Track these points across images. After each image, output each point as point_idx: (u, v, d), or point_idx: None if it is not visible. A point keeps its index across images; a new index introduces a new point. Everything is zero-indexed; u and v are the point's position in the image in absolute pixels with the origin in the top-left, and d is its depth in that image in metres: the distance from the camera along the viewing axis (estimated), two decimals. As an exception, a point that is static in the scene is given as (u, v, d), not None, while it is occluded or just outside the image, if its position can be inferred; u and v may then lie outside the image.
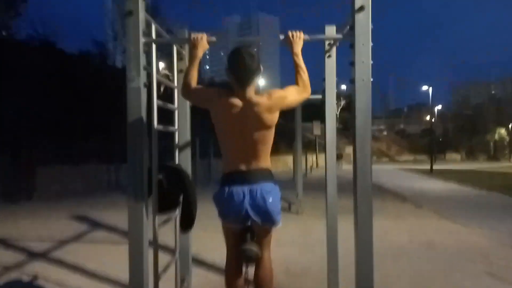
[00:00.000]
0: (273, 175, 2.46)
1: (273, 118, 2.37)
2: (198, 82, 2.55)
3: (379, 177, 19.60)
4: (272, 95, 2.37)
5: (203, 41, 2.53)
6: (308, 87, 2.50)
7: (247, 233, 2.42)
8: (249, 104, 2.31)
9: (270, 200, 2.32)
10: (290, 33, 2.50)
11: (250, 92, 2.34)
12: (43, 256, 5.42)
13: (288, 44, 2.50)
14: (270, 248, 2.56)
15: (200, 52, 2.53)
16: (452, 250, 5.80)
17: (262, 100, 2.33)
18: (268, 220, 2.36)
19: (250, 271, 2.55)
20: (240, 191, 2.31)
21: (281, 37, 2.59)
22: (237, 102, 2.32)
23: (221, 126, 2.41)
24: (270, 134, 2.41)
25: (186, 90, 2.51)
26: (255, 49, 2.45)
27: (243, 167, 2.35)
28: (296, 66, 2.49)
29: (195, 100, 2.58)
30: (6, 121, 12.77)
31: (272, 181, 2.42)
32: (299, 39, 2.48)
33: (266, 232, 2.46)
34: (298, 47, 2.48)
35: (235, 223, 2.40)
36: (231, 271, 2.56)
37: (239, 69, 2.31)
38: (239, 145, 2.35)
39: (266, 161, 2.41)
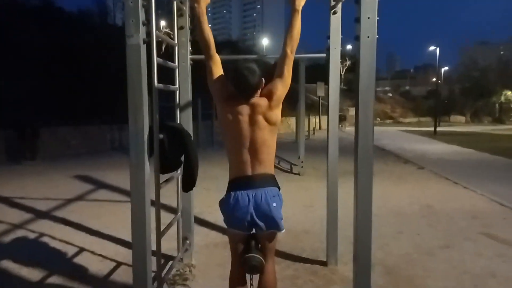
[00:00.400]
0: (276, 180, 2.43)
1: (278, 113, 2.35)
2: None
3: (383, 139, 19.61)
4: (272, 94, 2.32)
5: None
6: (294, 51, 2.39)
7: (251, 241, 2.41)
8: (252, 109, 2.29)
9: (274, 205, 2.30)
10: None
11: (253, 99, 2.31)
12: (48, 214, 5.53)
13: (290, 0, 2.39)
14: (274, 257, 2.54)
15: (203, 6, 2.44)
16: (451, 211, 5.86)
17: (262, 102, 2.30)
18: (272, 225, 2.33)
19: (254, 281, 2.53)
20: (245, 195, 2.29)
21: None
22: (241, 108, 2.29)
23: (226, 129, 2.38)
24: (274, 134, 2.38)
25: (205, 51, 2.43)
26: (255, 63, 2.31)
27: (248, 172, 2.33)
28: (291, 23, 2.36)
29: (209, 70, 2.45)
30: (6, 83, 12.67)
31: (276, 186, 2.39)
32: None
33: (270, 238, 2.43)
34: (299, 3, 2.37)
35: (241, 229, 2.35)
36: (236, 280, 2.54)
37: (240, 87, 2.28)
38: (245, 150, 2.32)
39: (270, 166, 2.39)
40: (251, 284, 2.52)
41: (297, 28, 2.36)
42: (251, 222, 2.29)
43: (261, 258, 2.37)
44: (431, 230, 4.97)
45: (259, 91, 2.32)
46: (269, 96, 2.32)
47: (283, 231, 2.38)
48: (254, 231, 2.36)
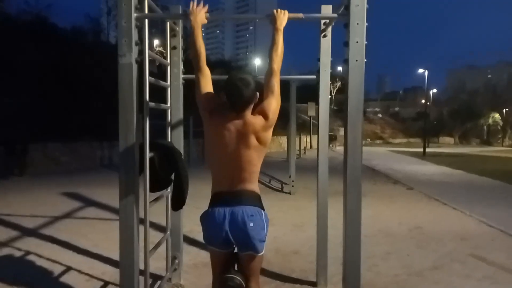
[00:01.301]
0: (261, 200, 2.32)
1: (269, 134, 2.30)
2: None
3: (372, 159, 19.73)
4: (268, 111, 2.27)
5: (202, 13, 2.46)
6: (280, 67, 2.41)
7: (232, 260, 2.33)
8: (245, 127, 2.22)
9: (251, 225, 2.17)
10: (274, 10, 2.46)
11: (246, 115, 2.25)
12: (35, 232, 5.44)
13: (272, 20, 2.45)
14: (257, 279, 2.38)
15: (199, 24, 2.43)
16: (440, 232, 5.88)
17: (257, 121, 2.24)
18: (248, 247, 2.21)
19: None
20: (221, 211, 2.20)
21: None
22: (230, 124, 2.23)
23: (210, 143, 2.33)
24: (262, 154, 2.31)
25: (196, 63, 2.39)
26: (251, 76, 2.28)
27: (228, 188, 2.26)
28: (275, 42, 2.39)
29: (198, 82, 2.41)
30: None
31: (257, 206, 2.26)
32: (283, 15, 2.44)
33: (249, 259, 2.28)
34: (281, 23, 2.43)
35: (217, 246, 2.28)
36: None
37: (233, 98, 2.21)
38: (228, 165, 2.26)
39: (254, 184, 2.30)
40: None
41: (281, 46, 2.39)
42: (227, 240, 2.20)
43: (239, 279, 2.26)
44: (420, 251, 4.98)
45: (251, 105, 2.25)
46: (264, 114, 2.25)
47: (261, 254, 2.27)
48: (234, 249, 2.28)
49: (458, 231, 5.95)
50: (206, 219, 2.28)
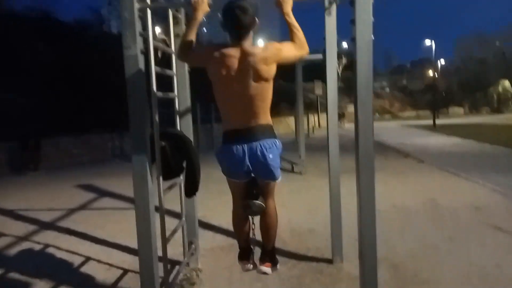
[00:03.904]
0: (274, 129, 2.48)
1: (270, 70, 2.33)
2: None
3: (382, 134, 19.60)
4: (268, 46, 2.37)
5: (204, 4, 2.48)
6: (305, 46, 2.44)
7: (251, 185, 2.52)
8: (244, 55, 2.29)
9: (270, 156, 2.37)
10: None
11: (245, 45, 2.32)
12: (52, 225, 5.54)
13: (277, 4, 2.44)
14: (273, 197, 2.63)
15: (200, 15, 2.48)
16: (454, 204, 5.87)
17: (257, 50, 2.31)
18: (269, 176, 2.46)
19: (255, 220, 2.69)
20: (240, 149, 2.36)
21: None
22: (232, 54, 2.30)
23: (218, 83, 2.39)
24: (268, 89, 2.37)
25: (182, 53, 2.50)
26: (249, 1, 2.31)
27: (242, 125, 2.36)
28: (289, 26, 2.43)
29: (191, 61, 2.62)
30: (7, 94, 12.69)
31: (271, 137, 2.42)
32: None
33: (268, 184, 2.54)
34: (288, 6, 2.42)
35: (238, 178, 2.49)
36: (238, 220, 2.69)
37: (232, 25, 2.29)
38: (237, 101, 2.34)
39: (265, 117, 2.40)
40: (253, 223, 2.68)
41: (297, 28, 2.42)
42: (247, 172, 2.42)
43: (260, 203, 2.49)
44: (435, 223, 4.99)
45: (251, 33, 2.33)
46: (273, 47, 2.34)
47: (279, 179, 2.51)
48: (252, 175, 2.48)
49: (472, 202, 5.94)
50: (225, 155, 2.44)
